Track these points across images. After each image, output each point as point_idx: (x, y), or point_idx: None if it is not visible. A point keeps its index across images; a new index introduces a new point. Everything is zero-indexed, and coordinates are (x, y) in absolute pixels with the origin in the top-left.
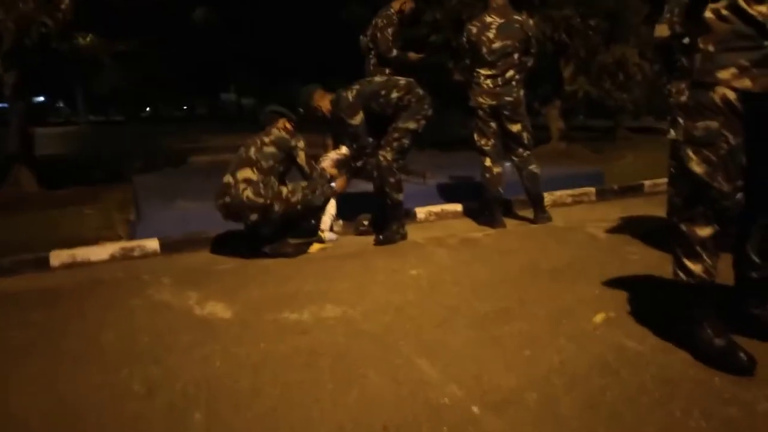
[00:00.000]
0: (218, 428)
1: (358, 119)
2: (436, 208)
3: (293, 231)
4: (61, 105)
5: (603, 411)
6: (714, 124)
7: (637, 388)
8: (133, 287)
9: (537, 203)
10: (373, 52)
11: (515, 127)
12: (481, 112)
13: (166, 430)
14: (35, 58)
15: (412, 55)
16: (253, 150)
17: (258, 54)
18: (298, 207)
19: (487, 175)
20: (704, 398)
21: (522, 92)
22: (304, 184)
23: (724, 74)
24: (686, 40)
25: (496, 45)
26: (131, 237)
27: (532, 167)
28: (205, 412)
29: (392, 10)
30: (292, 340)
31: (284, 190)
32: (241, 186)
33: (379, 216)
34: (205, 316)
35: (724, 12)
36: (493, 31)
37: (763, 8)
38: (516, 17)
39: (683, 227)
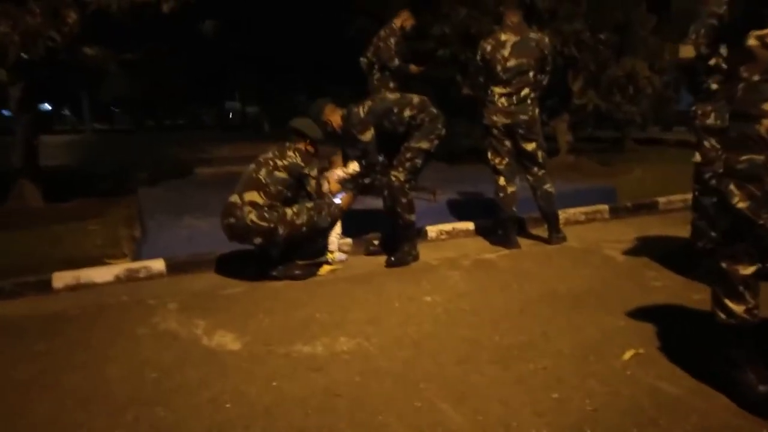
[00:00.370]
0: None
1: (368, 136)
2: (448, 227)
3: (302, 252)
4: (67, 113)
5: None
6: (760, 158)
7: None
8: (138, 314)
9: (552, 223)
10: (376, 66)
11: (530, 146)
12: (495, 131)
13: None
14: (42, 71)
15: (414, 67)
16: (263, 172)
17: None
18: (303, 229)
19: (501, 195)
20: None
21: (537, 111)
22: (309, 205)
23: None
24: (713, 62)
25: (511, 63)
26: (136, 255)
27: (547, 186)
28: None
29: (395, 26)
30: (306, 378)
31: (289, 212)
32: (246, 209)
33: (390, 236)
34: (213, 348)
35: None
36: (508, 49)
37: None
38: (532, 35)
39: (724, 265)
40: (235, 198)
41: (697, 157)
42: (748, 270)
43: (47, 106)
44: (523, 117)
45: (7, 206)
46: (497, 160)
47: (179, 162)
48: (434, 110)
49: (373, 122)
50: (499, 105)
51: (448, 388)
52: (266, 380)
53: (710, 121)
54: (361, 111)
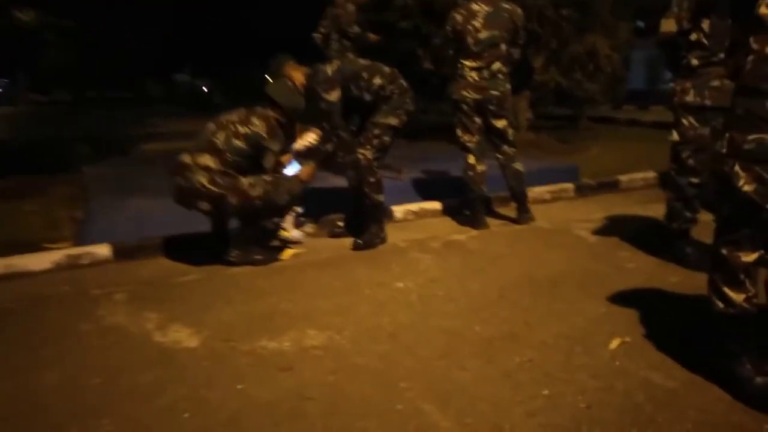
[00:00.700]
0: None
1: (334, 96)
2: (415, 207)
3: (260, 234)
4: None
5: None
6: (766, 137)
7: None
8: (81, 307)
9: (521, 202)
10: (335, 37)
11: (500, 123)
12: (465, 107)
13: None
14: None
15: (372, 36)
16: (222, 137)
17: (216, 33)
18: (257, 203)
19: (470, 173)
20: None
21: (508, 86)
22: (268, 178)
23: None
24: (694, 37)
25: (483, 35)
26: (79, 240)
27: (517, 165)
28: None
29: None
30: (274, 379)
31: (244, 182)
32: (198, 171)
33: (355, 217)
34: (168, 346)
35: None
36: (480, 19)
37: None
38: (504, 5)
39: (724, 252)
40: (187, 158)
41: (675, 136)
42: (750, 257)
43: None
44: (495, 92)
45: None
46: (467, 138)
47: (124, 137)
48: (404, 83)
49: (340, 83)
50: (470, 79)
51: (431, 387)
52: (229, 383)
53: (689, 98)
54: (329, 69)
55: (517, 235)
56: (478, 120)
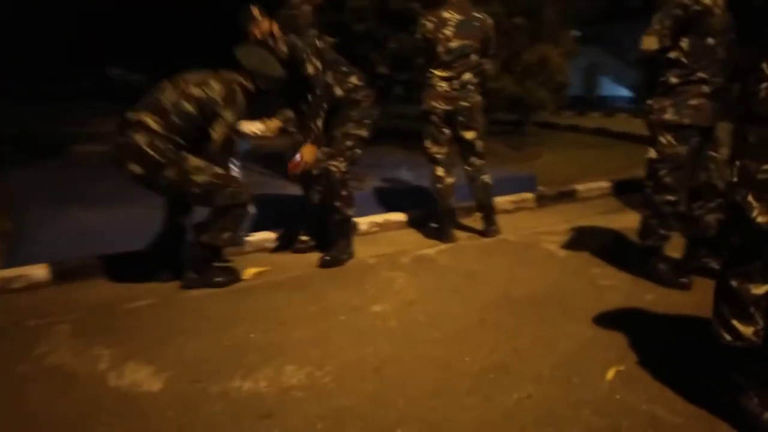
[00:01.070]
0: None
1: (320, 65)
2: (379, 218)
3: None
4: None
5: None
6: None
7: None
8: (15, 342)
9: (488, 215)
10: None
11: (470, 135)
12: (434, 118)
13: None
14: None
15: (327, 38)
16: (171, 97)
17: (151, 24)
18: (195, 191)
19: (439, 186)
20: None
21: (479, 97)
22: (219, 171)
23: None
24: (673, 55)
25: (454, 44)
26: (8, 260)
27: (485, 177)
28: None
29: None
30: (254, 430)
31: (191, 162)
32: (139, 130)
33: (321, 231)
34: (126, 391)
35: None
36: (451, 28)
37: None
38: (476, 14)
39: (734, 283)
40: (131, 115)
41: (652, 153)
42: (761, 289)
43: None
44: (465, 104)
45: None
46: (435, 149)
47: (53, 137)
48: (371, 92)
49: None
50: (440, 89)
51: None
52: None
53: (668, 116)
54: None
55: (487, 250)
56: (447, 131)
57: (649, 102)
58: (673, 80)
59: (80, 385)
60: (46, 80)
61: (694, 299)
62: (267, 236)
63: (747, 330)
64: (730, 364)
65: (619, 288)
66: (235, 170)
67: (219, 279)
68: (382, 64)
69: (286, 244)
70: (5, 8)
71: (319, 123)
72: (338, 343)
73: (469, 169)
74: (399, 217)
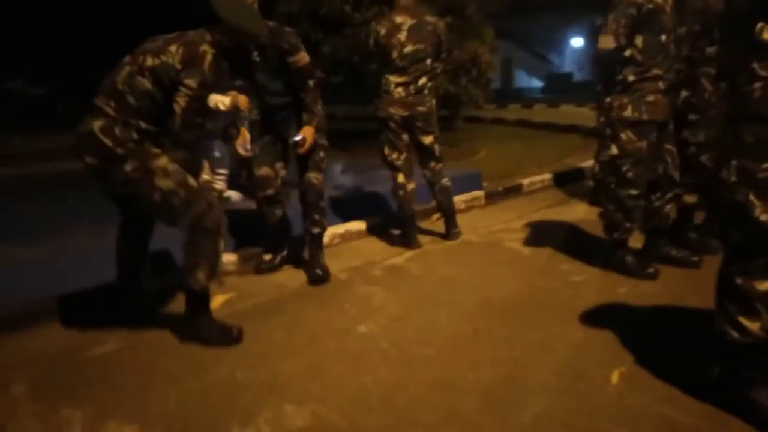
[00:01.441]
0: None
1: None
2: (340, 229)
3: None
4: None
5: None
6: None
7: None
8: None
9: (450, 218)
10: None
11: (428, 140)
12: (392, 124)
13: None
14: None
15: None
16: (125, 73)
17: (54, 35)
18: (155, 198)
19: (401, 192)
20: None
21: (434, 101)
22: (192, 182)
23: None
24: (628, 53)
25: (408, 49)
26: None
27: (444, 181)
28: None
29: None
30: None
31: (159, 161)
32: (96, 116)
33: (283, 247)
34: None
35: None
36: (405, 33)
37: None
38: (428, 18)
39: (738, 281)
40: (94, 101)
41: (614, 150)
42: (766, 285)
43: None
44: (422, 108)
45: None
46: (395, 156)
47: None
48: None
49: None
50: (396, 95)
51: None
52: None
53: (627, 113)
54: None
55: (453, 253)
56: (405, 137)
57: (608, 100)
58: (630, 77)
59: None
60: None
61: (664, 289)
62: (226, 258)
63: (754, 325)
64: (739, 360)
65: (592, 283)
66: (220, 177)
67: (212, 337)
68: (317, 69)
69: (246, 264)
70: None
71: (320, 107)
72: (334, 373)
73: (428, 173)
74: (359, 225)
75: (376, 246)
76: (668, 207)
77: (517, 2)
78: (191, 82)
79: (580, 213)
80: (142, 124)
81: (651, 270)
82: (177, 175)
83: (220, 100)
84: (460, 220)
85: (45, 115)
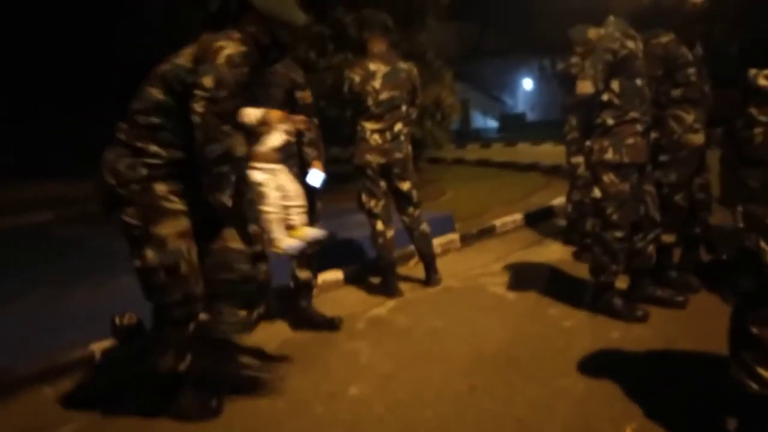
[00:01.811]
0: None
1: None
2: (317, 279)
3: None
4: None
5: None
6: None
7: None
8: None
9: (430, 263)
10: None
11: (405, 186)
12: (369, 171)
13: None
14: None
15: None
16: (138, 90)
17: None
18: (135, 260)
19: (380, 240)
20: None
21: (410, 147)
22: (182, 267)
23: None
24: (606, 97)
25: (384, 96)
26: None
27: (423, 226)
28: None
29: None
30: None
31: (163, 226)
32: (111, 146)
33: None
34: None
35: None
36: (379, 80)
37: None
38: (401, 64)
39: (755, 330)
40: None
41: (597, 193)
42: None
43: None
44: (399, 155)
45: None
46: (373, 203)
47: None
48: None
49: None
50: (372, 143)
51: None
52: None
53: (608, 156)
54: None
55: (437, 301)
56: (382, 184)
57: (588, 143)
58: (609, 121)
59: None
60: None
61: (655, 331)
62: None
63: None
64: (759, 412)
65: (582, 328)
66: (295, 209)
67: (189, 411)
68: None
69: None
70: None
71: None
72: None
73: (407, 219)
74: (336, 275)
75: (355, 296)
76: (650, 247)
77: (470, 47)
78: (205, 81)
79: (556, 253)
80: (153, 148)
81: (640, 312)
82: (170, 255)
83: (246, 114)
84: (438, 264)
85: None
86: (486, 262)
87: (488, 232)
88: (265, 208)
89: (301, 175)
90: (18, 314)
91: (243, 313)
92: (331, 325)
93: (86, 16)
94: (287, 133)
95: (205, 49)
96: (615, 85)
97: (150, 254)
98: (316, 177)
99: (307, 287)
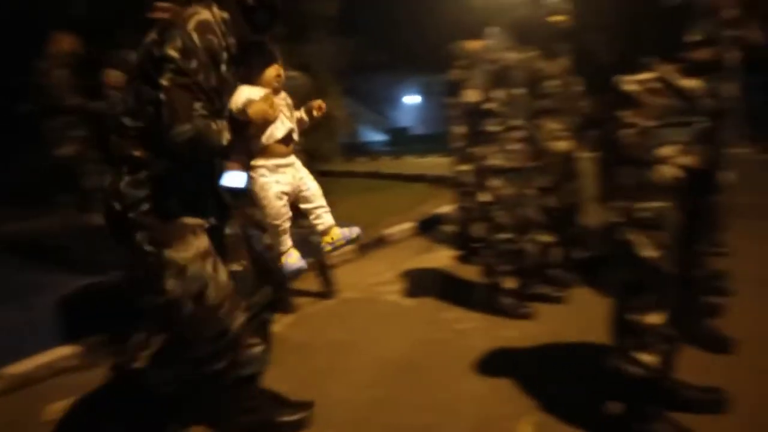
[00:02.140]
0: None
1: None
2: None
3: None
4: None
5: None
6: (662, 204)
7: None
8: None
9: (327, 275)
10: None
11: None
12: None
13: None
14: None
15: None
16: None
17: None
18: (169, 291)
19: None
20: None
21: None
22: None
23: (667, 151)
24: (489, 106)
25: None
26: None
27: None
28: None
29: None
30: None
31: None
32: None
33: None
34: None
35: (655, 85)
36: None
37: (692, 83)
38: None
39: (631, 317)
40: None
41: (484, 197)
42: (657, 319)
43: None
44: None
45: None
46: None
47: None
48: None
49: None
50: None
51: None
52: None
53: (494, 161)
54: None
55: (335, 313)
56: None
57: (474, 150)
58: (493, 129)
59: None
60: None
61: (545, 327)
62: (61, 351)
63: (651, 359)
64: (639, 395)
65: (477, 329)
66: (348, 231)
67: None
68: None
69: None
70: None
71: None
72: None
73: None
74: None
75: None
76: (534, 247)
77: (358, 61)
78: (170, 49)
79: (446, 259)
80: (139, 153)
81: (528, 310)
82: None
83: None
84: (335, 275)
85: None
86: (381, 271)
87: (381, 242)
88: (268, 219)
89: None
90: None
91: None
92: None
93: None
94: (292, 118)
95: (176, 16)
96: (497, 94)
97: (170, 285)
98: (235, 178)
99: None
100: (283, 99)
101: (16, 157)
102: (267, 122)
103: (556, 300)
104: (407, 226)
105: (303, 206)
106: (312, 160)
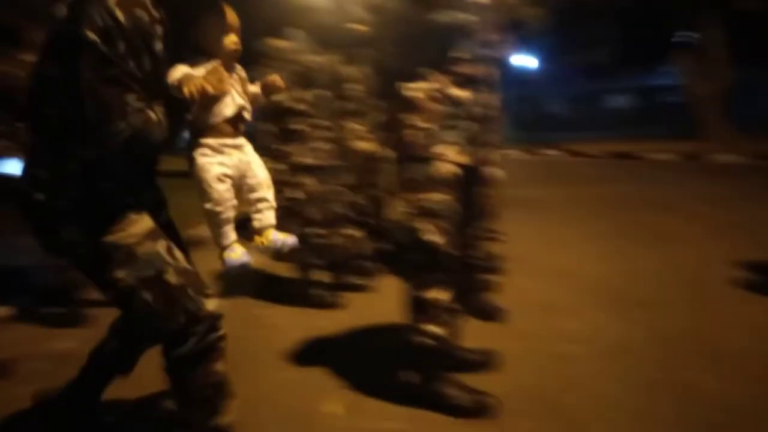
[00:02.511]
0: None
1: None
2: None
3: None
4: None
5: None
6: (444, 196)
7: None
8: None
9: None
10: None
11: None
12: None
13: None
14: None
15: None
16: None
17: None
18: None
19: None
20: None
21: None
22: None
23: (447, 150)
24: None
25: None
26: None
27: None
28: None
29: None
30: None
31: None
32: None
33: None
34: None
35: (434, 93)
36: None
37: (461, 93)
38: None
39: (421, 294)
40: None
41: (298, 194)
42: (444, 295)
43: None
44: None
45: None
46: None
47: None
48: None
49: None
50: None
51: None
52: None
53: (307, 159)
54: None
55: None
56: None
57: (283, 148)
58: (301, 127)
59: None
60: None
61: (354, 314)
62: None
63: (441, 331)
64: (431, 362)
65: (290, 322)
66: (285, 238)
67: None
68: None
69: None
70: None
71: None
72: None
73: None
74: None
75: (25, 333)
76: (342, 240)
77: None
78: (87, 32)
79: (257, 256)
80: (61, 142)
81: (337, 299)
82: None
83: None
84: None
85: None
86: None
87: (195, 244)
88: (207, 205)
89: None
90: None
91: None
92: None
93: None
94: (245, 94)
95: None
96: (306, 95)
97: (120, 273)
98: None
99: None
100: (237, 72)
101: None
102: (212, 98)
103: (363, 288)
104: (199, 231)
105: (246, 196)
106: None
